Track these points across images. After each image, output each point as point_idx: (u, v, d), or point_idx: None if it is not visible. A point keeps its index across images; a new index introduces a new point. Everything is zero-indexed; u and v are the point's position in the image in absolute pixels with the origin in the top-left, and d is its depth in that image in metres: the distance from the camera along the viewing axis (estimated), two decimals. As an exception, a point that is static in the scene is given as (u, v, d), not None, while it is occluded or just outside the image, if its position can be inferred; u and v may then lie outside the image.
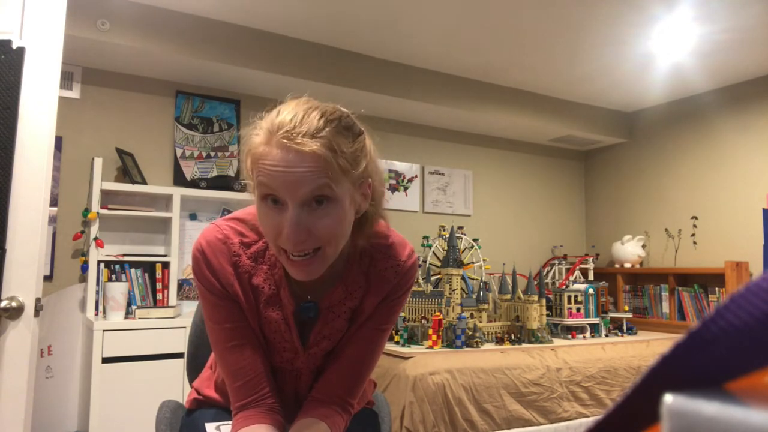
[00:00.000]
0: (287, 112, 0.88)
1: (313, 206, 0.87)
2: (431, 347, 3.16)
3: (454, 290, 3.43)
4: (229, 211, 2.39)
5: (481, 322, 3.54)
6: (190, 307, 3.43)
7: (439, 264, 3.95)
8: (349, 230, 0.95)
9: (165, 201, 3.44)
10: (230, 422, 1.03)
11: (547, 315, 3.73)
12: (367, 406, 1.31)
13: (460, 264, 3.57)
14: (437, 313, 3.27)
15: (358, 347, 1.06)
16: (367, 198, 0.97)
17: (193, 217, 3.60)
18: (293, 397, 1.11)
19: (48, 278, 3.15)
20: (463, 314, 3.34)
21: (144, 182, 3.35)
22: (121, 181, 3.31)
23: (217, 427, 1.09)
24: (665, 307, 4.39)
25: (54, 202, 3.20)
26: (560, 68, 3.98)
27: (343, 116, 0.91)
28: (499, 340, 3.49)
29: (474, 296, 3.67)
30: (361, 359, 1.06)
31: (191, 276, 1.17)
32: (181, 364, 2.96)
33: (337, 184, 0.87)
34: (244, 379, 1.01)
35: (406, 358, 2.87)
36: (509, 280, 3.85)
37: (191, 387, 1.31)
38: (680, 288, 4.32)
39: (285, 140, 0.85)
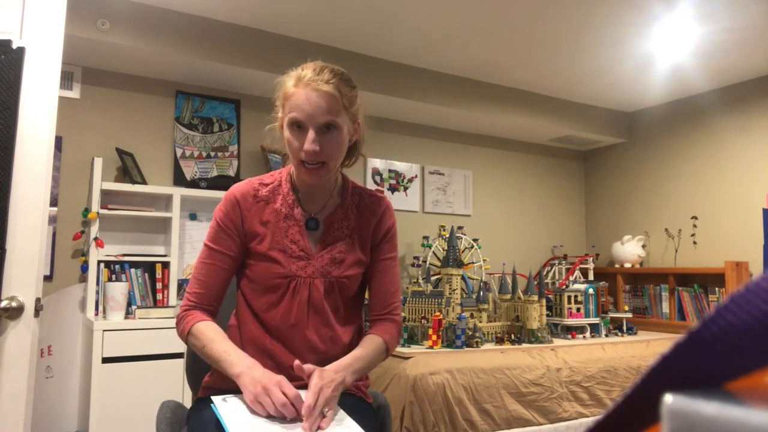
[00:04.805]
0: (309, 69, 1.28)
1: (323, 131, 1.26)
2: (431, 347, 3.16)
3: (454, 290, 3.43)
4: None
5: (481, 322, 3.54)
6: (190, 307, 3.43)
7: (439, 264, 3.95)
8: (345, 151, 1.34)
9: (165, 201, 3.44)
10: (235, 395, 1.19)
11: (547, 315, 3.73)
12: (359, 394, 1.37)
13: (460, 264, 3.57)
14: (437, 313, 3.27)
15: (381, 275, 1.42)
16: (357, 132, 1.37)
17: (193, 217, 3.60)
18: (306, 307, 1.32)
19: (48, 278, 3.15)
20: (463, 314, 3.34)
21: (144, 182, 3.35)
22: (121, 181, 3.31)
23: (224, 399, 1.20)
24: (665, 307, 4.39)
25: (54, 202, 3.20)
26: (560, 68, 3.98)
27: (345, 73, 1.34)
28: (499, 340, 3.49)
29: (474, 296, 3.67)
30: (389, 281, 1.43)
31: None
32: (181, 364, 2.96)
33: (340, 117, 1.27)
34: (203, 289, 1.31)
35: (406, 358, 2.87)
36: (509, 280, 3.84)
37: (202, 385, 1.35)
38: (680, 288, 4.32)
39: (309, 84, 1.25)
